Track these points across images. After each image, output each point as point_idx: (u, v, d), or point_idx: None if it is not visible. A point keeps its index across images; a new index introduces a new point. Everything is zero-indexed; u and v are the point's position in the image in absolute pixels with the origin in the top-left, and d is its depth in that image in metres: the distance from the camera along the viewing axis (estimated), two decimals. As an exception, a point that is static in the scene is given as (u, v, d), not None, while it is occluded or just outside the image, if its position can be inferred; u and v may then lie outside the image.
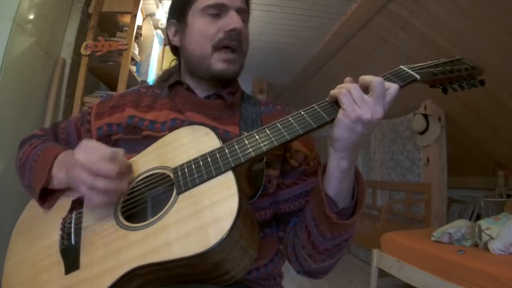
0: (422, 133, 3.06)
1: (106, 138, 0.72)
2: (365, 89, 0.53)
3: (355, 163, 0.56)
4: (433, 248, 2.08)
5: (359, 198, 0.57)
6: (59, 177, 0.60)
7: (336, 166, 0.54)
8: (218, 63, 0.67)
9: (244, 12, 0.70)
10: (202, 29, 0.68)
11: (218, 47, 0.67)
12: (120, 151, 0.55)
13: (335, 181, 0.54)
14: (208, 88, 0.73)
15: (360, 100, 0.51)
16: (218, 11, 0.67)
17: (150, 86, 0.79)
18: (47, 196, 0.63)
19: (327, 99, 0.56)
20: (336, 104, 0.55)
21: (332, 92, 0.54)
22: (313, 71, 3.65)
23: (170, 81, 0.74)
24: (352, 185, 0.56)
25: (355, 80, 0.55)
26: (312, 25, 2.73)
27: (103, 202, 0.53)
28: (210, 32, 0.67)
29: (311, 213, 0.59)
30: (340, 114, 0.52)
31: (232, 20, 0.66)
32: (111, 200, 0.54)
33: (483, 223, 2.00)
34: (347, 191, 0.56)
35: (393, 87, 0.54)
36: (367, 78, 0.53)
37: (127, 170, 0.58)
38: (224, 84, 0.72)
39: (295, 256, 0.66)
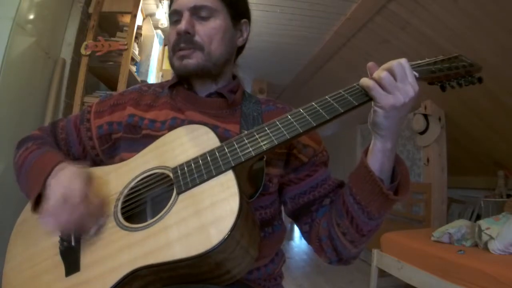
0: (422, 133, 3.06)
1: (106, 137, 0.72)
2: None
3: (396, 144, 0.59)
4: (433, 248, 2.08)
5: (404, 173, 0.59)
6: (48, 193, 0.58)
7: (381, 148, 0.58)
8: (176, 61, 0.70)
9: (201, 9, 0.67)
10: (169, 36, 0.71)
11: (174, 50, 0.69)
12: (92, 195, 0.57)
13: (379, 162, 0.58)
14: (200, 86, 0.73)
15: (391, 88, 0.54)
16: (178, 17, 0.69)
17: (152, 84, 0.79)
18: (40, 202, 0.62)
19: (326, 96, 0.58)
20: (338, 101, 0.56)
21: (363, 82, 0.56)
22: (313, 71, 3.64)
23: (171, 81, 0.74)
24: (392, 168, 0.59)
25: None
26: (312, 25, 2.72)
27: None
28: (171, 39, 0.70)
29: (353, 198, 0.59)
30: (375, 106, 0.56)
31: (180, 23, 0.68)
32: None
33: (483, 223, 2.00)
34: (388, 173, 0.59)
35: (403, 60, 0.56)
36: (385, 65, 0.56)
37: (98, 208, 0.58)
38: (199, 80, 0.72)
39: (332, 245, 0.64)
